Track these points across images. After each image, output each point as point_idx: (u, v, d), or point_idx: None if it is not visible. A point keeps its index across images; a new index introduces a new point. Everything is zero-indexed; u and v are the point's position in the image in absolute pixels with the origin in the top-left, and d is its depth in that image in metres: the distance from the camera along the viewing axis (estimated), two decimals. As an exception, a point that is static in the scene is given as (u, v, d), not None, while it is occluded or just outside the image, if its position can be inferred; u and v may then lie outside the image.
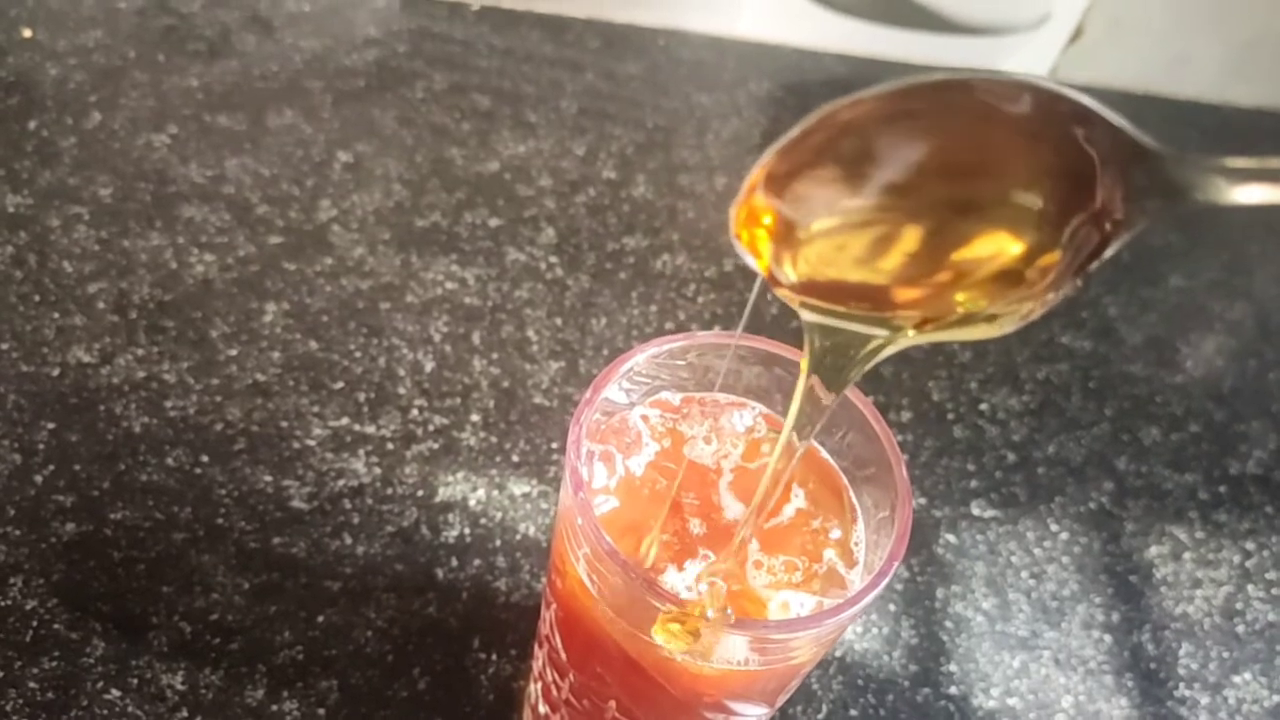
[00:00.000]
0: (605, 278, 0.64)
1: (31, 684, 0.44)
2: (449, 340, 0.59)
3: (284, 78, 0.73)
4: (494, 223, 0.66)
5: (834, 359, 0.26)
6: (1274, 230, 0.79)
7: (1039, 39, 0.86)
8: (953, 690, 0.50)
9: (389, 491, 0.52)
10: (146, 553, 0.48)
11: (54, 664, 0.45)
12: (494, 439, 0.55)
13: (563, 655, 0.37)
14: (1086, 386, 0.64)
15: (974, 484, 0.58)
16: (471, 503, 0.52)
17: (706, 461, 0.36)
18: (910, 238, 0.23)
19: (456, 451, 0.54)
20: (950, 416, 0.61)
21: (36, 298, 0.57)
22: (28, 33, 0.72)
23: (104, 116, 0.68)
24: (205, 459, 0.52)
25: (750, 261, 0.24)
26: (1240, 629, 0.54)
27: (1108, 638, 0.53)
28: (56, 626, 0.46)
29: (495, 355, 0.59)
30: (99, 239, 0.60)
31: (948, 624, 0.52)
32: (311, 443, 0.53)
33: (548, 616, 0.38)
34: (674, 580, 0.33)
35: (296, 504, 0.51)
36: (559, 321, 0.61)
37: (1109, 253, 0.21)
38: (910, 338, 0.24)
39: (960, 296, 0.23)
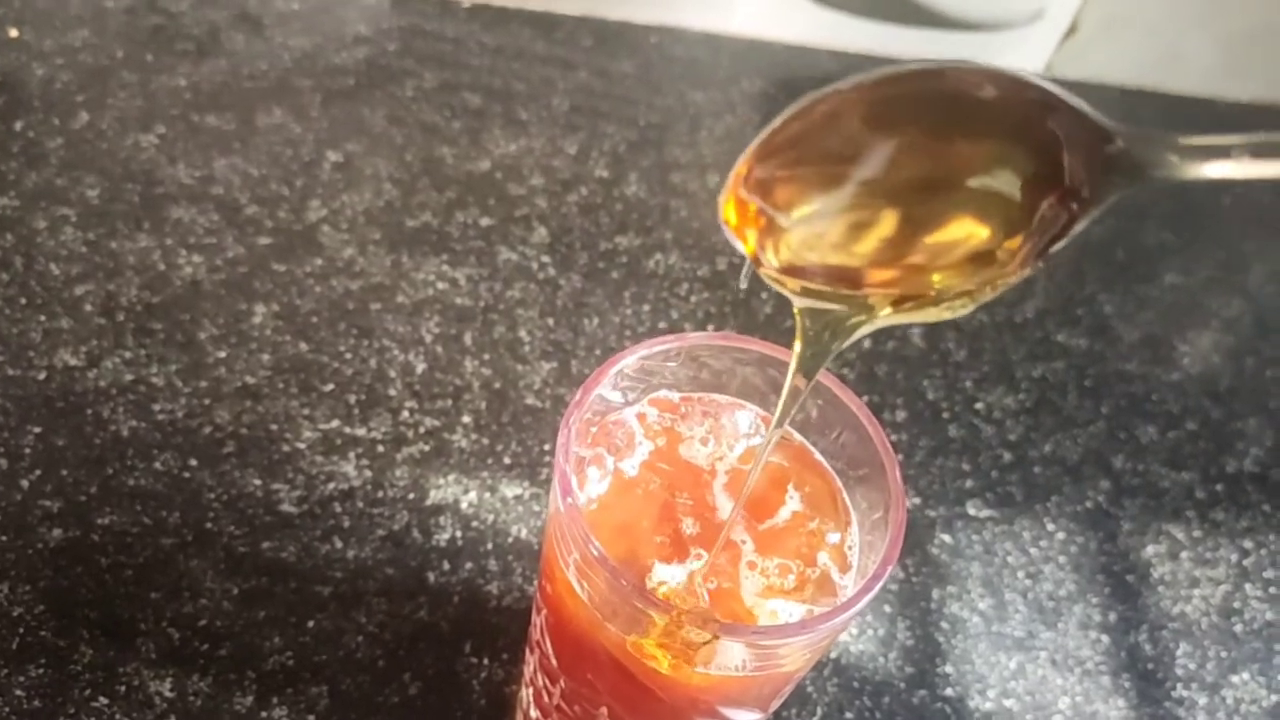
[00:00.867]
0: (598, 277, 0.64)
1: (18, 692, 0.43)
2: (440, 341, 0.59)
3: (273, 77, 0.73)
4: (485, 222, 0.66)
5: (818, 335, 0.27)
6: (1269, 227, 0.79)
7: (1033, 35, 0.85)
8: (949, 692, 0.50)
9: (380, 494, 0.52)
10: (134, 558, 0.48)
11: (41, 671, 0.44)
12: (486, 441, 0.55)
13: (553, 661, 0.36)
14: (1082, 385, 0.64)
15: (969, 484, 0.57)
16: (463, 505, 0.52)
17: (701, 462, 0.35)
18: (887, 223, 0.24)
19: (448, 454, 0.54)
20: (945, 415, 0.61)
21: (23, 300, 0.56)
22: (14, 32, 0.71)
23: (91, 117, 0.67)
24: (194, 463, 0.51)
25: (738, 246, 0.25)
26: (1238, 628, 0.54)
27: (1105, 638, 0.53)
28: (43, 633, 0.45)
29: (487, 356, 0.58)
30: (86, 240, 0.60)
31: (944, 625, 0.52)
32: (301, 446, 0.53)
33: (538, 622, 0.37)
34: (665, 575, 0.32)
35: (286, 508, 0.51)
36: (551, 322, 0.61)
37: (1076, 229, 0.22)
38: (886, 315, 0.25)
39: (936, 277, 0.24)
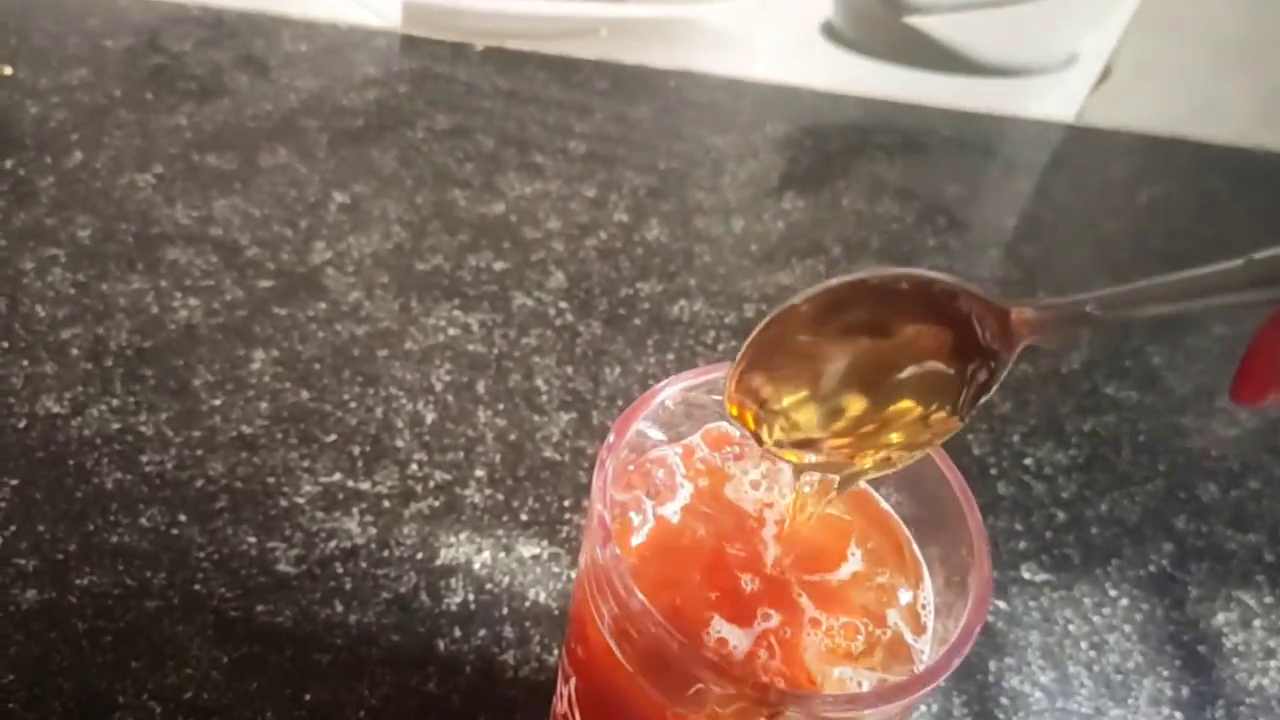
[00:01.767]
0: (618, 324, 0.60)
1: (-21, 773, 0.39)
2: (451, 390, 0.55)
3: (278, 117, 0.70)
4: (499, 266, 0.62)
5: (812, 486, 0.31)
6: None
7: (1065, 81, 0.83)
8: (1011, 775, 0.45)
9: (385, 554, 0.47)
10: (115, 623, 0.43)
11: (5, 750, 0.39)
12: (500, 496, 0.50)
13: (584, 738, 0.32)
14: (1136, 440, 0.60)
15: (1023, 545, 0.53)
16: (476, 566, 0.48)
17: (748, 506, 0.31)
18: (853, 406, 0.29)
19: (459, 510, 0.50)
20: (993, 472, 0.56)
21: (4, 344, 0.53)
22: (8, 70, 0.69)
23: (85, 155, 0.64)
24: (183, 518, 0.47)
25: (743, 430, 0.30)
26: (1322, 704, 0.49)
27: (1178, 715, 0.48)
28: (11, 705, 0.41)
29: (501, 406, 0.54)
30: (75, 282, 0.56)
31: (1003, 700, 0.47)
32: (300, 500, 0.49)
33: (566, 692, 0.33)
34: (719, 634, 0.28)
35: (283, 568, 0.46)
36: (569, 370, 0.57)
37: (998, 381, 0.27)
38: (866, 468, 0.30)
39: (894, 436, 0.29)
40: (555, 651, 0.45)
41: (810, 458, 0.30)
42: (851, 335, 0.29)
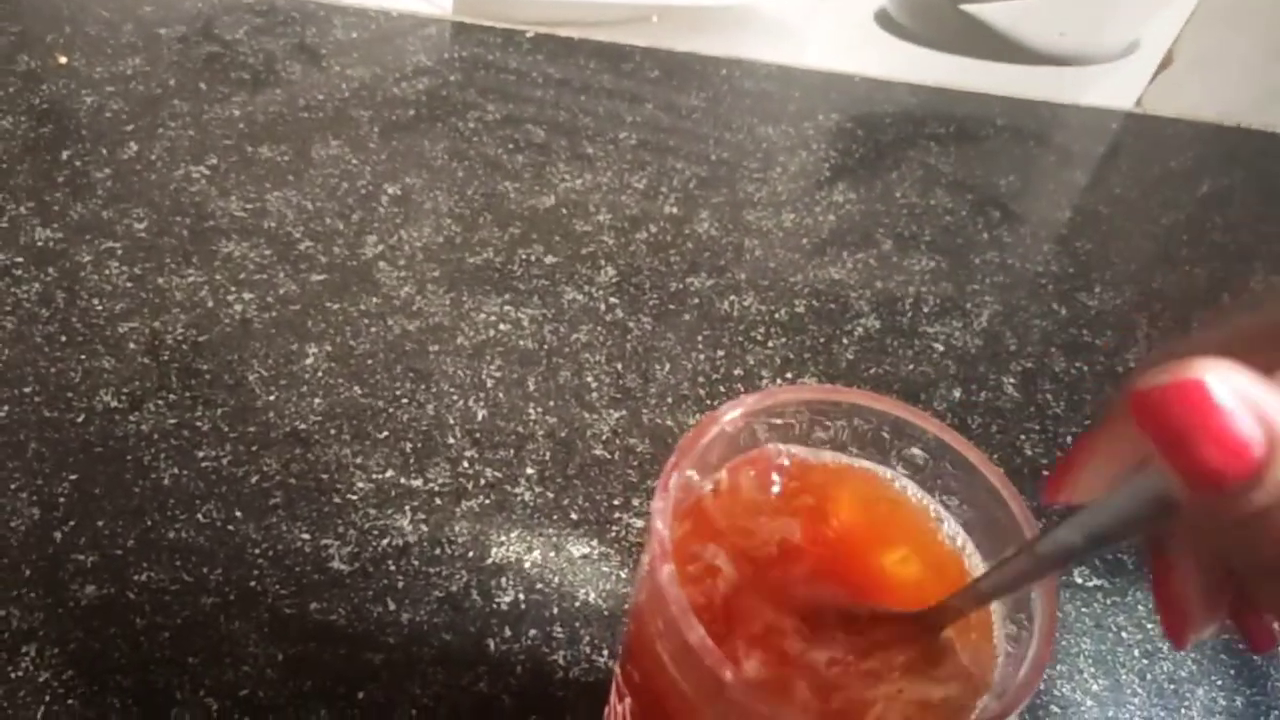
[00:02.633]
0: (668, 319, 0.60)
1: (42, 767, 0.40)
2: (502, 386, 0.55)
3: (330, 108, 0.70)
4: (550, 260, 0.62)
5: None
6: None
7: (1125, 68, 0.81)
8: (1063, 786, 0.45)
9: (436, 552, 0.48)
10: (172, 619, 0.44)
11: (67, 744, 0.40)
12: (551, 494, 0.51)
13: (639, 758, 0.32)
14: (1193, 441, 0.59)
15: (1077, 549, 0.52)
16: (526, 565, 0.48)
17: (831, 538, 0.31)
18: None
19: (510, 508, 0.50)
20: (1045, 474, 0.56)
21: (63, 338, 0.53)
22: (63, 59, 0.69)
23: (141, 147, 0.64)
24: (239, 514, 0.48)
25: None
26: (1383, 718, 0.49)
27: (1234, 726, 0.47)
28: (71, 701, 0.41)
29: (552, 403, 0.54)
30: (132, 275, 0.57)
31: (1054, 709, 0.47)
32: (354, 497, 0.49)
33: (621, 710, 0.33)
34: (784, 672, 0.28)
35: (336, 565, 0.47)
36: (620, 366, 0.57)
37: None
38: None
39: None
40: (605, 652, 0.45)
41: None
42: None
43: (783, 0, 0.78)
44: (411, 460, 0.51)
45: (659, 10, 0.79)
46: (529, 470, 0.51)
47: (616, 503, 0.51)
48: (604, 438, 0.53)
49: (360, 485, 0.50)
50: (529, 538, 0.49)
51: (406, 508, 0.49)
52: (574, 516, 0.50)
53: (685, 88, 0.78)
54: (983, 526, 0.31)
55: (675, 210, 0.67)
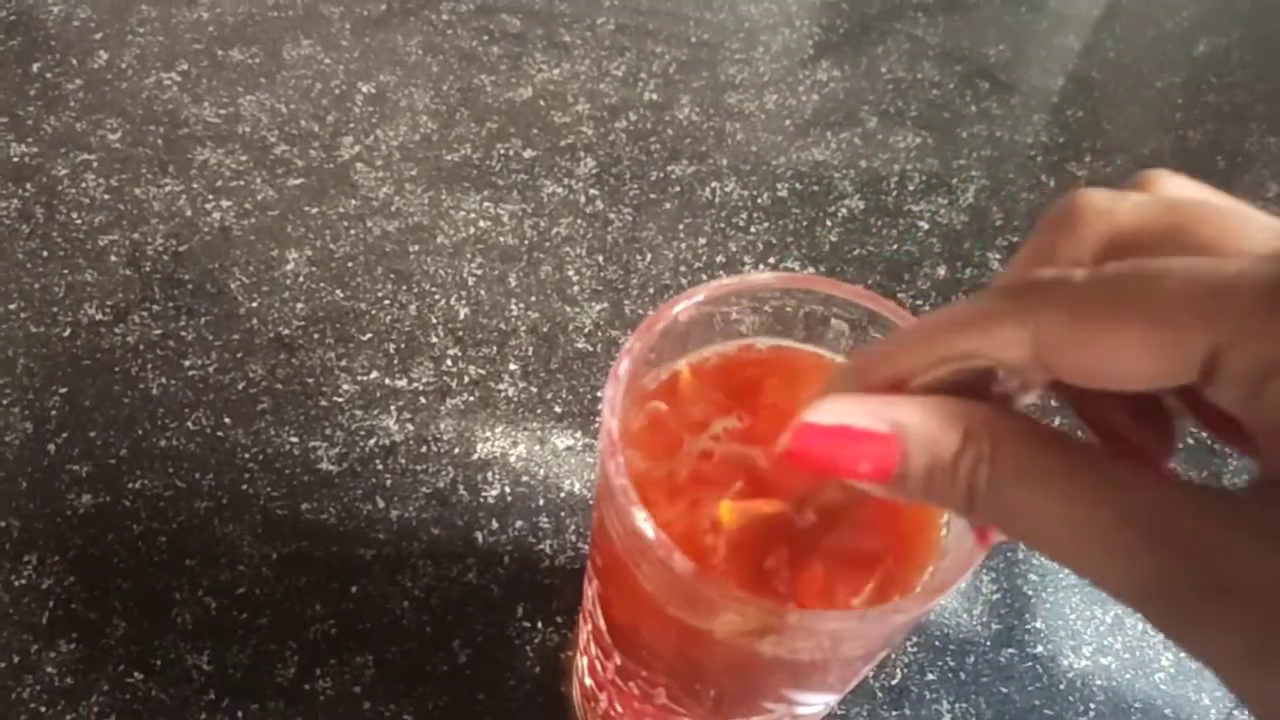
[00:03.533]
0: (650, 209, 0.60)
1: (49, 669, 0.41)
2: (483, 283, 0.55)
3: (300, 5, 0.69)
4: (528, 154, 0.61)
5: None
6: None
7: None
8: (1039, 649, 0.46)
9: (423, 450, 0.49)
10: (168, 524, 0.45)
11: (72, 646, 0.42)
12: (534, 389, 0.51)
13: (607, 637, 0.33)
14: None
15: (1056, 422, 0.53)
16: (511, 459, 0.49)
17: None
18: None
19: (494, 404, 0.50)
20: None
21: (45, 253, 0.54)
22: (29, -31, 0.68)
23: (111, 55, 0.64)
24: (227, 421, 0.49)
25: None
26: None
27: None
28: (74, 606, 0.43)
29: (533, 298, 0.55)
30: (109, 188, 0.57)
31: (1032, 576, 0.48)
32: (339, 399, 0.50)
33: (590, 593, 0.34)
34: (730, 542, 0.28)
35: (325, 466, 0.48)
36: (601, 259, 0.57)
37: None
38: None
39: None
40: (589, 543, 0.46)
41: None
42: None
43: None
44: (395, 361, 0.51)
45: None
46: (512, 366, 0.52)
47: (599, 395, 0.51)
48: (586, 331, 0.54)
49: (346, 387, 0.50)
50: (513, 432, 0.50)
51: (392, 408, 0.50)
52: (557, 410, 0.51)
53: (664, -32, 0.76)
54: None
55: (655, 97, 0.66)
